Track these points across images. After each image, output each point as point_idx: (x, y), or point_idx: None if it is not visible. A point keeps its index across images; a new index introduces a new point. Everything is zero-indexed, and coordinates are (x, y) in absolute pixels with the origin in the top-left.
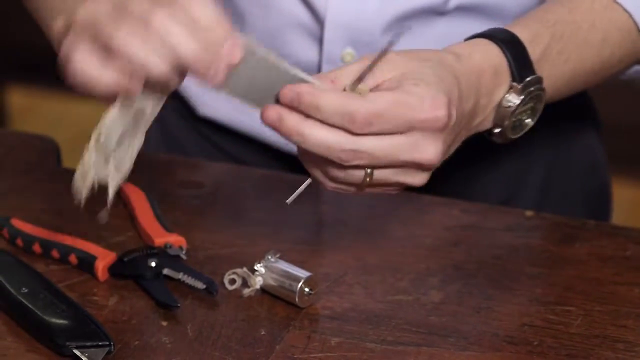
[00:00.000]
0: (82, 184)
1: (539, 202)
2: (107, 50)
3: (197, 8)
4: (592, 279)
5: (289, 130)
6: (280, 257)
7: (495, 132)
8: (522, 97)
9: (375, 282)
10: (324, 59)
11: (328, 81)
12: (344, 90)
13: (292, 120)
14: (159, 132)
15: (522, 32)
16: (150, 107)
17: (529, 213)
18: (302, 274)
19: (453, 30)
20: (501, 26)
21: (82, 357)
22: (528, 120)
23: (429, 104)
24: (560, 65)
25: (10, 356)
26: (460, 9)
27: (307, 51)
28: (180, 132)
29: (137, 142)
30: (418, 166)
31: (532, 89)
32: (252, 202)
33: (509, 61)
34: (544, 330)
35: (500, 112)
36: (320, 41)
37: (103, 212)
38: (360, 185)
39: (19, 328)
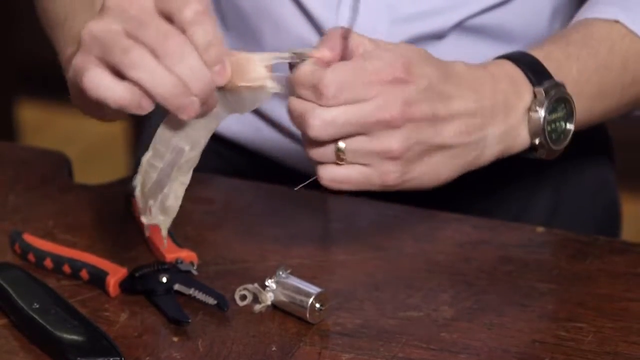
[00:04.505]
0: (147, 216)
1: (548, 221)
2: (116, 70)
3: (196, 30)
4: (604, 295)
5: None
6: (291, 273)
7: (536, 145)
8: (547, 101)
9: (386, 298)
10: None
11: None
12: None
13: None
14: None
15: (534, 52)
16: (190, 145)
17: (540, 229)
18: (313, 289)
19: (455, 52)
20: (501, 48)
21: None
22: (569, 126)
23: (385, 63)
24: (583, 84)
25: None
26: (463, 31)
27: None
28: None
29: (180, 182)
30: (385, 124)
31: (554, 92)
32: (263, 217)
33: (524, 71)
34: (555, 347)
35: (532, 123)
36: None
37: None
38: (336, 159)
39: (31, 343)
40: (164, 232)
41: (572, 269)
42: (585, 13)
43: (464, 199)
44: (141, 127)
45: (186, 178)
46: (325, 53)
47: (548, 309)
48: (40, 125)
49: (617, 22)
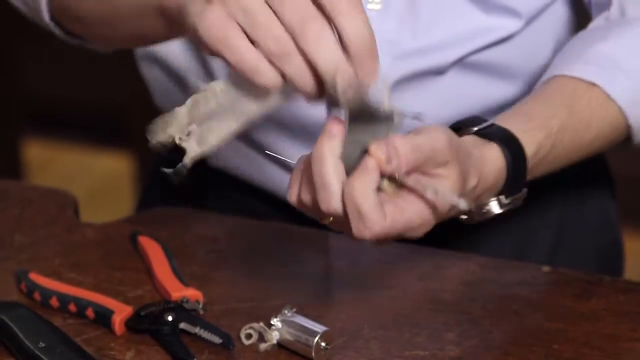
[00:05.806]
0: (159, 131)
1: (550, 258)
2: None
3: (346, 21)
4: (609, 334)
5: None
6: (297, 312)
7: (462, 218)
8: (503, 209)
9: (391, 337)
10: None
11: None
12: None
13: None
14: (170, 185)
15: (528, 145)
16: (255, 107)
17: (545, 268)
18: (319, 328)
19: (456, 88)
20: (503, 84)
21: None
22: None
23: (421, 227)
24: (548, 165)
25: None
26: (464, 67)
27: (315, 107)
28: (194, 184)
29: (228, 126)
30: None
31: (514, 202)
32: (268, 255)
33: (507, 181)
34: None
35: (477, 211)
36: None
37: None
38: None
39: None
40: (189, 161)
41: (578, 309)
42: (565, 67)
43: (465, 236)
44: (146, 167)
45: (237, 125)
46: (396, 168)
47: (554, 349)
48: (46, 163)
49: (595, 85)
